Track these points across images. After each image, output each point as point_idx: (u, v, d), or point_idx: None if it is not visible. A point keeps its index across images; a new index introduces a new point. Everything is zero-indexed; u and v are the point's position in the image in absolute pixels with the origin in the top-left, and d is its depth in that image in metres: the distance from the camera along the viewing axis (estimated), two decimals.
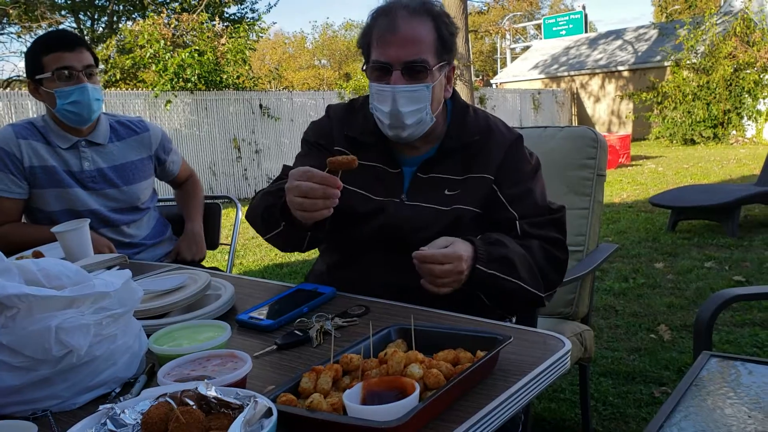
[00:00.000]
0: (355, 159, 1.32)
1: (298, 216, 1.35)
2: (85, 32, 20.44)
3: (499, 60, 31.34)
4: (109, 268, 1.70)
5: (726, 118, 16.19)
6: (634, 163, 12.82)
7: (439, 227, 1.52)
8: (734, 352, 3.07)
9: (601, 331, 3.48)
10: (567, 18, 26.52)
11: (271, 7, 26.28)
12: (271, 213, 1.48)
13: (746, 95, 15.90)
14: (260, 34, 18.22)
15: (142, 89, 12.06)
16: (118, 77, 14.83)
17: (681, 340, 3.27)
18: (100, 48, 17.50)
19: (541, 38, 27.87)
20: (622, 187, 9.44)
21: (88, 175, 2.24)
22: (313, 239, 1.55)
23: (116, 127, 2.36)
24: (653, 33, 21.60)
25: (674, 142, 16.81)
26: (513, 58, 27.86)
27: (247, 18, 20.77)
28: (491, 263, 1.39)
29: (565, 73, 22.56)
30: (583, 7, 26.32)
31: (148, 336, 1.14)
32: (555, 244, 1.55)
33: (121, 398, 1.01)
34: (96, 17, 21.12)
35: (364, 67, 1.58)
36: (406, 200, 1.57)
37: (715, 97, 16.13)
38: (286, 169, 1.62)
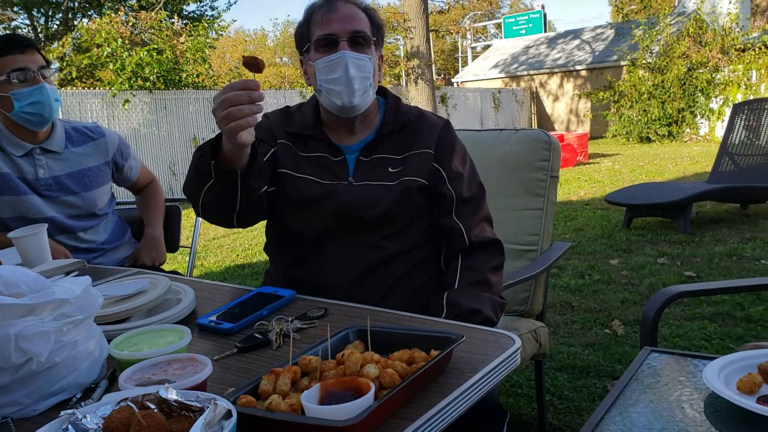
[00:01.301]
0: (263, 63, 1.38)
1: (227, 131, 1.35)
2: (38, 30, 19.94)
3: (460, 59, 31.56)
4: (67, 273, 1.70)
5: (680, 116, 16.61)
6: (591, 161, 13.08)
7: (390, 201, 1.62)
8: (684, 345, 3.18)
9: (558, 327, 3.57)
10: (527, 17, 26.83)
11: (231, 5, 26.12)
12: (202, 159, 1.46)
13: (699, 94, 16.34)
14: (220, 33, 18.04)
15: (100, 88, 11.85)
16: (74, 75, 14.53)
17: (634, 335, 3.38)
18: (55, 45, 17.11)
19: (501, 37, 28.16)
20: (580, 185, 9.63)
21: (43, 183, 2.22)
22: (246, 194, 1.51)
23: (72, 133, 2.33)
24: (610, 33, 22.01)
25: (630, 140, 17.19)
26: (474, 57, 28.10)
27: (207, 16, 20.56)
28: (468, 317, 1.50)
29: (525, 72, 22.86)
30: (542, 7, 26.68)
31: (109, 341, 1.15)
32: (495, 248, 1.69)
33: (83, 403, 1.02)
34: (50, 14, 20.62)
35: (303, 55, 1.69)
36: (354, 182, 1.65)
37: (669, 96, 16.54)
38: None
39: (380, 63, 1.74)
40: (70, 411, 0.85)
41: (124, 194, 3.00)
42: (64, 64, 14.60)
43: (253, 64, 1.36)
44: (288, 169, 1.66)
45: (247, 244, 6.84)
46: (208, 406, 0.82)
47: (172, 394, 0.85)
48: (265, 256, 6.04)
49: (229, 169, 1.45)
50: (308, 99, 1.77)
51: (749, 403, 0.85)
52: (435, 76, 20.34)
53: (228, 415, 0.82)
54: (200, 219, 2.81)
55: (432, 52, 18.64)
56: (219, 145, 1.44)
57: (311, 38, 1.64)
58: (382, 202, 1.62)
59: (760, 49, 15.41)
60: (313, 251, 1.66)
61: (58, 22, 20.67)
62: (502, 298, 1.63)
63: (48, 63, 2.23)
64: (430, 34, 17.47)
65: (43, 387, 1.01)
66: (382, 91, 1.78)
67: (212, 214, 1.60)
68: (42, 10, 20.35)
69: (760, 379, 0.91)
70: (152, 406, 0.84)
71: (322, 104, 1.68)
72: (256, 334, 1.26)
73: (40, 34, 19.94)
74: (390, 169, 1.65)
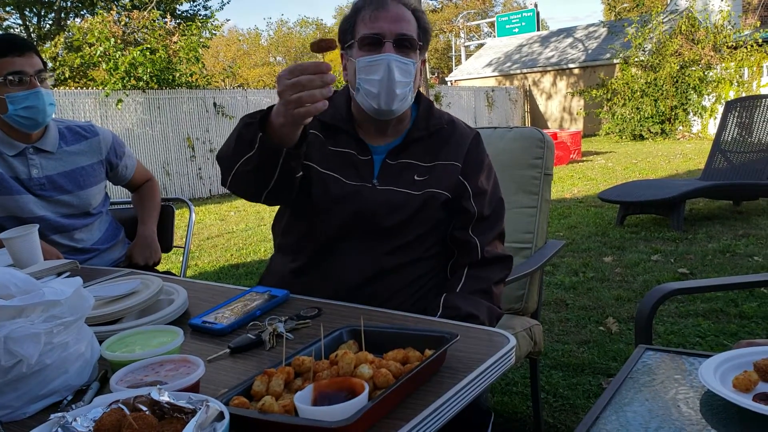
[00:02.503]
0: (334, 40, 1.34)
1: (295, 114, 1.30)
2: (31, 29, 19.84)
3: (453, 58, 31.57)
4: (59, 274, 1.68)
5: (673, 113, 16.68)
6: (584, 158, 13.10)
7: (410, 210, 1.59)
8: (678, 342, 3.19)
9: (552, 325, 3.57)
10: (520, 16, 26.89)
11: (224, 4, 26.04)
12: (249, 129, 1.41)
13: (692, 91, 16.41)
14: (213, 32, 18.02)
15: (93, 88, 11.80)
16: (67, 75, 14.46)
17: (628, 332, 3.38)
18: (47, 45, 17.03)
19: (494, 36, 28.19)
20: (573, 182, 9.64)
21: (37, 183, 2.21)
22: (284, 174, 1.46)
23: (65, 132, 2.32)
24: (603, 31, 22.08)
25: (623, 137, 17.24)
26: (467, 56, 28.11)
27: (200, 15, 20.50)
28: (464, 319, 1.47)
29: (518, 71, 22.90)
30: (536, 5, 26.73)
31: (101, 342, 1.14)
32: (505, 264, 1.69)
33: (73, 406, 1.01)
34: (42, 14, 20.51)
35: (345, 50, 1.63)
36: (378, 185, 1.61)
37: (662, 94, 16.60)
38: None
39: (423, 67, 1.70)
40: (60, 414, 0.84)
41: (117, 194, 2.98)
42: (57, 64, 14.52)
43: (324, 46, 1.30)
44: (314, 162, 1.61)
45: (242, 243, 6.82)
46: (200, 408, 0.82)
47: (164, 396, 0.84)
48: (259, 256, 6.00)
49: (276, 146, 1.39)
50: (340, 90, 1.71)
51: (745, 401, 0.85)
52: (429, 75, 20.35)
53: (220, 416, 0.81)
54: (193, 219, 2.81)
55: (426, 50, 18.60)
56: (268, 117, 1.38)
57: (356, 35, 1.59)
58: (403, 209, 1.59)
59: (752, 46, 15.49)
60: (322, 251, 1.63)
61: (50, 22, 20.57)
62: (500, 308, 1.62)
63: (45, 65, 2.21)
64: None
65: (33, 390, 1.00)
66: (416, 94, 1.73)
67: (242, 186, 1.53)
68: (34, 10, 20.24)
69: (756, 377, 0.91)
70: (144, 409, 0.83)
71: (355, 101, 1.63)
72: (249, 335, 1.25)
73: (32, 34, 19.83)
74: (416, 177, 1.62)
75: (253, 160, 1.42)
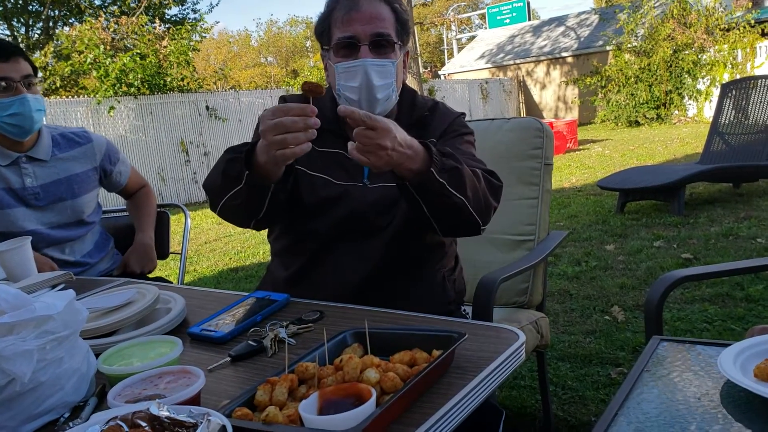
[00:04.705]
0: (323, 86, 1.31)
1: (278, 156, 1.28)
2: (19, 39, 19.73)
3: (446, 51, 31.51)
4: (54, 286, 1.65)
5: (668, 98, 16.64)
6: (581, 147, 13.07)
7: (404, 203, 1.53)
8: (686, 328, 3.16)
9: (557, 316, 3.54)
10: (510, 6, 26.79)
11: (213, 7, 25.93)
12: (234, 165, 1.40)
13: (686, 75, 16.37)
14: (203, 35, 17.94)
15: (84, 96, 11.75)
16: (58, 85, 14.39)
17: (634, 320, 3.35)
18: (36, 55, 16.93)
19: (485, 28, 28.13)
20: (571, 171, 9.61)
21: (31, 192, 2.17)
22: (272, 204, 1.46)
23: (58, 139, 2.28)
24: (594, 18, 22.02)
25: (619, 124, 17.21)
26: (459, 49, 28.06)
27: (189, 19, 20.40)
28: (443, 173, 1.35)
29: (511, 62, 22.85)
30: None
31: (97, 356, 1.10)
32: (492, 174, 1.55)
33: (71, 423, 0.98)
34: (30, 23, 20.40)
35: (324, 51, 1.59)
36: (369, 183, 1.58)
37: (656, 79, 16.56)
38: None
39: (406, 60, 1.65)
40: None
41: (109, 203, 2.94)
42: (47, 73, 14.44)
43: (313, 89, 1.29)
44: (301, 165, 1.58)
45: (240, 246, 6.79)
46: (201, 422, 0.78)
47: (163, 411, 0.81)
48: (258, 259, 5.96)
49: (262, 182, 1.40)
50: (326, 90, 1.66)
51: None
52: (422, 69, 20.29)
53: (222, 430, 0.78)
54: (189, 225, 2.77)
55: (418, 45, 18.57)
56: (253, 153, 1.37)
57: (331, 38, 1.55)
58: (396, 204, 1.55)
59: (744, 28, 15.45)
60: (318, 254, 1.59)
61: (39, 32, 20.47)
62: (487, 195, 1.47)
63: (36, 70, 2.17)
64: (415, 27, 17.41)
65: (27, 408, 0.97)
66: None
67: (230, 217, 1.55)
68: (22, 20, 20.14)
69: None
70: (143, 424, 0.80)
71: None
72: (250, 342, 1.21)
73: (21, 44, 19.73)
74: None
75: (241, 194, 1.42)
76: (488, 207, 1.48)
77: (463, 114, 1.72)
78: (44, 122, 2.24)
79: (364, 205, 1.55)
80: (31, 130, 2.13)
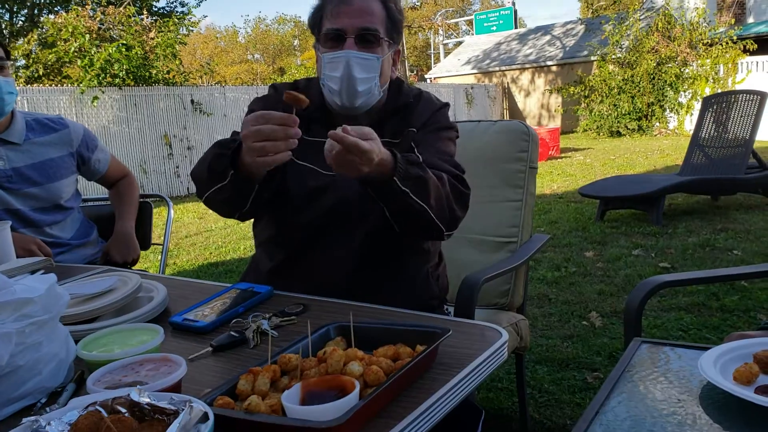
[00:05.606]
0: (307, 101, 1.31)
1: (258, 162, 1.29)
2: (3, 26, 19.47)
3: (432, 55, 31.58)
4: (33, 272, 1.63)
5: (650, 110, 16.81)
6: (563, 155, 13.17)
7: None
8: (662, 336, 3.19)
9: (536, 320, 3.56)
10: (497, 14, 26.96)
11: (201, 1, 25.72)
12: (220, 161, 1.41)
13: (668, 88, 16.55)
14: (191, 28, 17.78)
15: (67, 85, 11.61)
16: (41, 73, 14.22)
17: (611, 326, 3.38)
18: (20, 42, 16.72)
19: (472, 34, 28.24)
20: (553, 178, 9.68)
21: (4, 175, 2.14)
22: (257, 200, 1.49)
23: (33, 124, 2.26)
24: (580, 29, 22.20)
25: (601, 134, 17.36)
26: (446, 54, 28.14)
27: (177, 12, 20.27)
28: (407, 181, 1.35)
29: (497, 68, 22.95)
30: (513, 3, 26.82)
31: (77, 342, 1.09)
32: (460, 180, 1.55)
33: (48, 409, 0.96)
34: (15, 10, 20.14)
35: (315, 42, 1.61)
36: None
37: (639, 91, 16.72)
38: (235, 134, 1.57)
39: (396, 57, 1.67)
40: (33, 418, 0.79)
41: (90, 192, 2.91)
42: (31, 61, 14.25)
43: (296, 100, 1.29)
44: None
45: (221, 241, 6.74)
46: (183, 409, 0.77)
47: (144, 397, 0.80)
48: (238, 254, 5.94)
49: (247, 180, 1.40)
50: (314, 79, 1.68)
51: (747, 394, 0.83)
52: (408, 73, 20.32)
53: (204, 417, 0.77)
54: (172, 217, 2.75)
55: (405, 48, 18.57)
56: (239, 151, 1.37)
57: (321, 29, 1.57)
58: None
59: (727, 43, 15.65)
60: (304, 245, 1.59)
61: (23, 19, 20.21)
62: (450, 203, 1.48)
63: (8, 54, 2.14)
64: (403, 31, 17.40)
65: (4, 392, 0.95)
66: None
67: (216, 207, 1.56)
68: (6, 6, 19.88)
69: (756, 369, 0.89)
70: (123, 410, 0.79)
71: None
72: (233, 333, 1.21)
73: (4, 31, 19.47)
74: None
75: (226, 190, 1.43)
76: (453, 215, 1.49)
77: (447, 104, 1.73)
78: (17, 107, 2.22)
79: (351, 195, 1.55)
80: (2, 113, 2.12)
